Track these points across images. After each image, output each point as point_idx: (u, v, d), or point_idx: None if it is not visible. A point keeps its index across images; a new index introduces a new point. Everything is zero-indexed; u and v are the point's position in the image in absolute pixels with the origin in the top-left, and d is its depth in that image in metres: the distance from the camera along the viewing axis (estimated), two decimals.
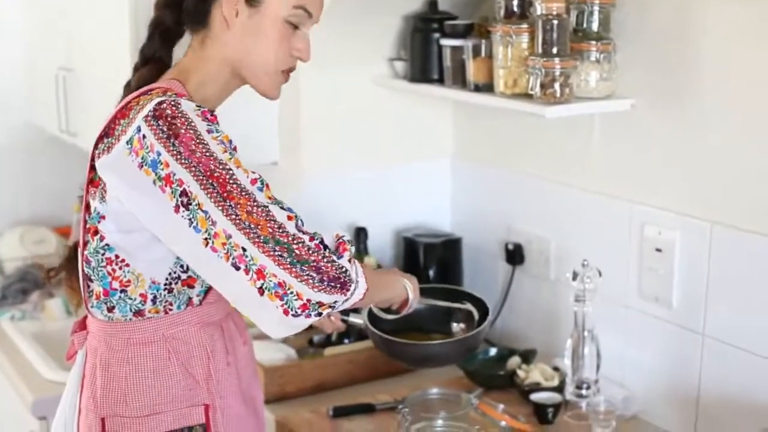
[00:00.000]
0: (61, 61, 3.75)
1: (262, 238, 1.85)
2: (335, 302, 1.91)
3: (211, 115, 1.93)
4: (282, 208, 1.90)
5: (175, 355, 2.04)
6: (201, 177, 1.86)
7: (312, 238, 1.88)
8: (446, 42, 2.92)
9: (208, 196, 1.85)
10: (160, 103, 1.90)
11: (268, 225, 1.86)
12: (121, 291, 2.01)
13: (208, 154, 1.87)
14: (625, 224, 2.68)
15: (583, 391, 2.58)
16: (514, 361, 2.83)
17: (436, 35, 2.98)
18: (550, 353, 2.88)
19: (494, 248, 3.18)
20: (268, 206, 1.88)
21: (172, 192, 1.87)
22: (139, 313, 2.03)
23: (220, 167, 1.87)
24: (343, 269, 1.90)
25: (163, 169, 1.87)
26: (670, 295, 2.57)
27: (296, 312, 1.86)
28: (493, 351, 2.92)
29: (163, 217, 1.89)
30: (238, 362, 2.16)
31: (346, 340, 2.93)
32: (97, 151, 1.98)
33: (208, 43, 2.07)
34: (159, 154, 1.87)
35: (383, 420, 2.65)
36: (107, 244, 2.00)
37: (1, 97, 4.29)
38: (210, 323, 2.08)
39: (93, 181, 2.01)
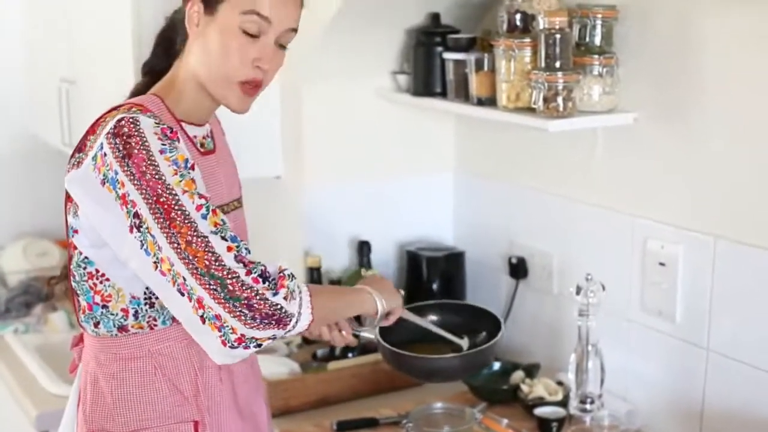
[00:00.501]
0: (63, 73, 3.75)
1: (199, 270, 1.83)
2: (273, 335, 1.88)
3: (171, 132, 1.91)
4: (224, 237, 1.86)
5: (161, 370, 2.03)
6: (150, 201, 1.84)
7: (249, 272, 1.85)
8: (449, 56, 2.92)
9: (155, 221, 1.84)
10: (119, 120, 1.88)
11: (205, 257, 1.83)
12: (103, 306, 2.00)
13: (157, 177, 1.85)
14: (627, 238, 2.68)
15: (587, 406, 2.57)
16: (518, 375, 2.83)
17: (439, 49, 2.99)
18: (554, 367, 2.87)
19: (497, 262, 3.18)
20: (207, 237, 1.85)
21: (127, 212, 1.86)
22: (122, 328, 2.01)
23: (167, 192, 1.85)
24: (278, 306, 1.86)
25: (120, 188, 1.86)
26: (673, 309, 2.56)
27: (233, 344, 1.84)
28: (496, 365, 2.91)
29: (121, 235, 1.88)
30: (234, 377, 2.14)
31: (349, 354, 2.92)
32: (68, 166, 1.98)
33: (182, 57, 2.05)
34: (116, 173, 1.86)
35: None
36: (86, 258, 1.99)
37: (3, 110, 4.30)
38: None
39: (69, 197, 2.00)
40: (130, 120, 1.88)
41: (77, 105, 3.63)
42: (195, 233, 1.84)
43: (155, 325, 2.01)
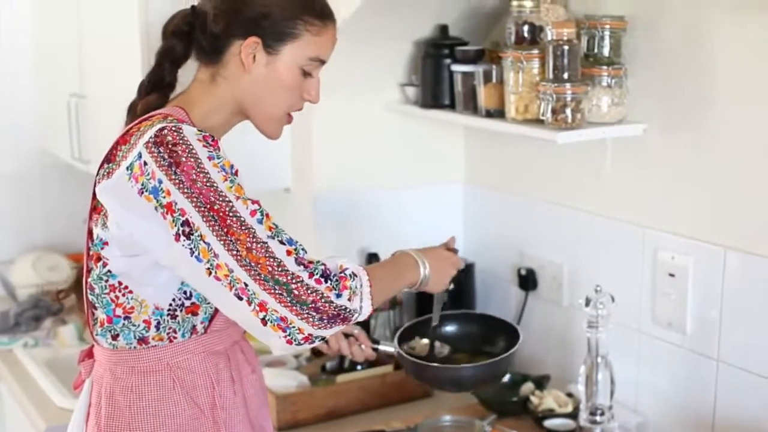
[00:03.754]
0: (73, 88, 3.76)
1: (262, 276, 1.85)
2: (338, 329, 1.94)
3: (213, 140, 1.93)
4: (281, 241, 1.89)
5: (180, 383, 2.03)
6: (203, 208, 1.85)
7: (311, 274, 1.88)
8: (457, 68, 2.92)
9: (210, 228, 1.85)
10: (161, 129, 1.89)
11: (268, 263, 1.86)
12: (125, 318, 2.01)
13: (209, 184, 1.86)
14: (638, 249, 2.67)
15: (597, 418, 2.56)
16: (528, 387, 2.82)
17: (447, 61, 2.99)
18: (564, 379, 2.87)
19: (507, 273, 3.18)
20: (267, 243, 1.87)
21: (173, 220, 1.86)
22: (143, 340, 2.02)
23: (221, 199, 1.86)
24: (343, 307, 1.91)
25: (164, 197, 1.86)
26: (683, 321, 2.55)
27: (299, 342, 1.89)
28: (506, 377, 2.90)
29: (165, 243, 1.88)
30: (246, 391, 2.14)
31: (358, 367, 2.91)
32: (97, 177, 1.98)
33: (219, 81, 2.06)
34: (160, 181, 1.86)
35: None
36: (110, 271, 1.99)
37: (13, 124, 4.30)
38: (215, 352, 2.06)
39: (96, 208, 2.00)
40: (173, 128, 1.89)
41: (87, 119, 3.63)
42: (254, 239, 1.86)
43: (175, 338, 2.02)
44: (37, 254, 4.19)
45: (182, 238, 1.86)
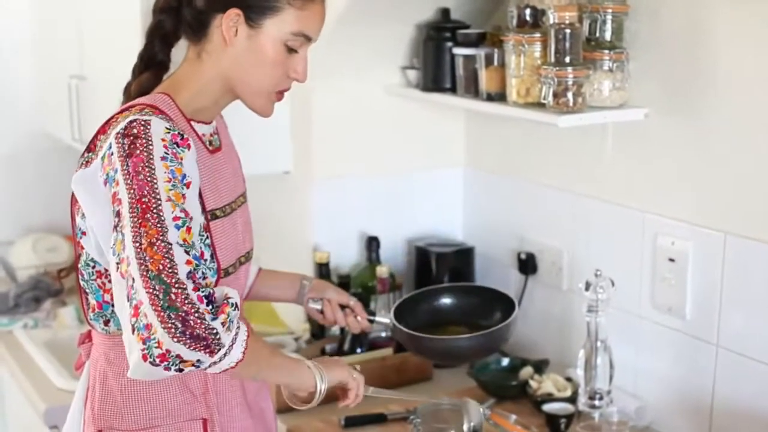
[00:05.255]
0: (73, 69, 3.75)
1: (149, 272, 1.78)
2: (198, 361, 1.80)
3: (182, 138, 1.90)
4: (187, 252, 1.82)
5: None
6: (133, 200, 1.83)
7: (197, 288, 1.80)
8: (459, 51, 2.92)
9: (131, 219, 1.82)
10: (131, 122, 1.88)
11: (161, 262, 1.79)
12: (113, 305, 1.98)
13: (149, 179, 1.84)
14: (638, 234, 2.67)
15: (596, 402, 2.56)
16: (527, 371, 2.83)
17: (449, 44, 2.98)
18: (563, 363, 2.87)
19: (507, 258, 3.18)
20: (172, 245, 1.81)
21: (113, 211, 1.87)
22: None
23: (151, 194, 1.83)
24: (213, 330, 1.79)
25: (113, 187, 1.86)
26: (683, 306, 2.55)
27: (154, 360, 1.76)
28: (505, 361, 2.91)
29: (108, 234, 1.89)
30: None
31: (358, 350, 2.92)
32: (76, 166, 1.98)
33: (204, 57, 2.04)
34: (116, 171, 1.86)
35: (395, 430, 2.65)
36: (93, 258, 2.00)
37: (13, 106, 4.31)
38: None
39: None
40: (142, 122, 1.88)
41: (87, 101, 3.63)
42: (161, 238, 1.81)
43: None
44: (36, 236, 4.20)
45: (114, 230, 1.86)
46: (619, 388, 2.63)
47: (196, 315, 1.78)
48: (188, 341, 1.77)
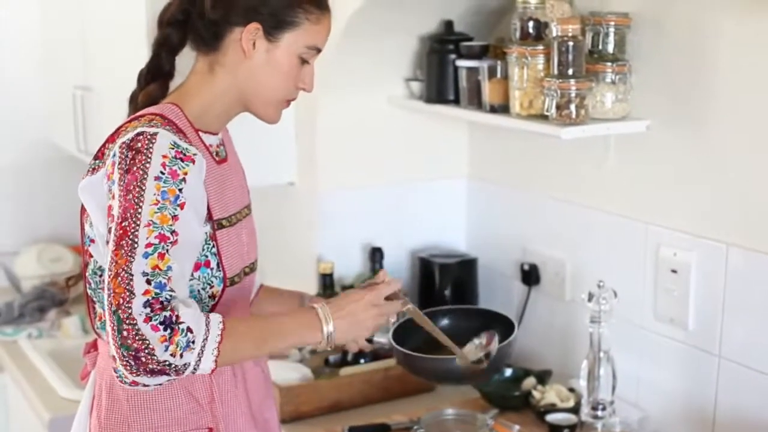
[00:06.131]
0: (78, 80, 3.77)
1: (111, 306, 1.81)
2: (168, 380, 1.86)
3: (185, 156, 1.91)
4: (149, 281, 1.81)
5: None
6: (119, 220, 1.86)
7: (148, 319, 1.78)
8: (462, 63, 2.93)
9: (113, 242, 1.85)
10: (138, 134, 1.90)
11: (121, 295, 1.80)
12: None
13: (136, 200, 1.85)
14: (640, 245, 2.68)
15: (599, 413, 2.57)
16: (530, 381, 2.83)
17: (452, 56, 3.00)
18: (566, 374, 2.88)
19: (510, 269, 3.19)
20: (133, 276, 1.81)
21: (107, 224, 1.91)
22: None
23: (132, 219, 1.84)
24: (166, 362, 1.80)
25: (110, 200, 1.89)
26: (685, 317, 2.56)
27: (128, 384, 1.95)
28: (508, 372, 2.91)
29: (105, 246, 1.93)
30: (248, 384, 2.15)
31: (362, 360, 2.93)
32: (84, 174, 2.00)
33: (217, 69, 2.06)
34: (113, 183, 1.89)
35: None
36: (101, 266, 2.01)
37: (19, 116, 4.32)
38: None
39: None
40: (148, 136, 1.90)
41: (92, 112, 3.65)
42: (126, 268, 1.81)
43: None
44: (41, 246, 4.21)
45: (106, 244, 1.90)
46: (621, 399, 2.64)
47: (147, 351, 1.79)
48: (146, 375, 1.81)
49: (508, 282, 3.19)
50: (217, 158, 2.09)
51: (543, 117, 2.60)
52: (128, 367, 1.80)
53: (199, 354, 1.84)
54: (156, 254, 1.84)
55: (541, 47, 2.62)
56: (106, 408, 2.06)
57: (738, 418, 2.45)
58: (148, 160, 1.87)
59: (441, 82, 3.03)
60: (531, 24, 2.68)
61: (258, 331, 1.98)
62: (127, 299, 1.79)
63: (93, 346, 2.17)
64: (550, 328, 3.03)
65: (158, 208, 1.85)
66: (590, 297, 2.55)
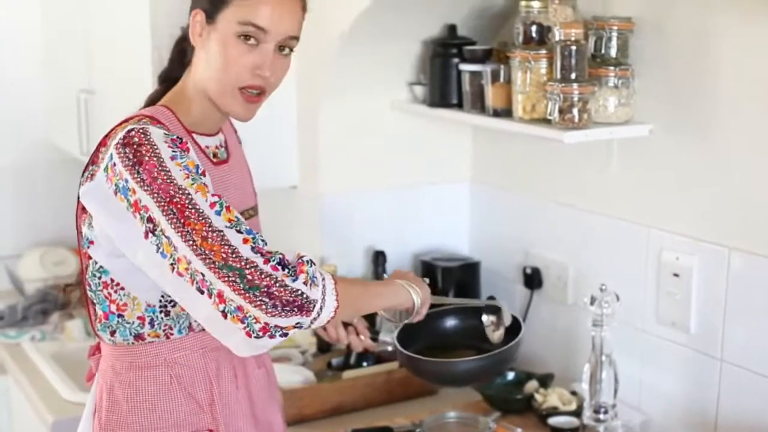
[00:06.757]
0: (82, 83, 3.78)
1: (216, 263, 1.82)
2: (298, 323, 1.87)
3: (181, 142, 1.92)
4: (239, 231, 1.86)
5: (177, 379, 2.04)
6: (162, 203, 1.85)
7: (267, 261, 1.84)
8: (465, 67, 2.94)
9: (169, 222, 1.85)
10: (129, 131, 1.91)
11: (222, 251, 1.83)
12: (119, 315, 2.02)
13: (168, 180, 1.86)
14: (642, 249, 2.68)
15: (601, 416, 2.57)
16: (532, 385, 2.83)
17: (456, 60, 3.00)
18: (568, 377, 2.88)
19: (512, 272, 3.19)
20: (223, 231, 1.84)
21: (141, 218, 1.87)
22: (139, 336, 2.03)
23: (180, 192, 1.86)
24: (298, 292, 1.85)
25: (131, 196, 1.88)
26: (687, 320, 2.57)
27: (258, 335, 1.84)
28: (510, 375, 2.92)
29: (136, 243, 1.89)
30: (251, 386, 2.15)
31: (364, 363, 2.93)
32: (82, 179, 2.00)
33: (189, 68, 2.08)
34: (126, 181, 1.88)
35: None
36: (101, 267, 2.01)
37: (22, 119, 4.32)
38: (214, 348, 2.05)
39: (84, 208, 2.02)
40: (140, 130, 1.90)
41: (96, 115, 3.65)
42: (210, 228, 1.84)
43: (171, 334, 2.03)
44: (44, 249, 4.21)
45: (150, 235, 1.87)
46: (623, 402, 2.64)
47: (278, 285, 1.83)
48: (281, 311, 1.83)
49: (511, 285, 3.20)
50: (214, 160, 2.09)
51: (546, 121, 2.60)
52: (262, 306, 1.82)
53: (322, 291, 1.89)
54: (223, 209, 1.88)
55: (544, 51, 2.62)
56: (106, 409, 2.07)
57: (740, 421, 2.45)
58: (155, 147, 1.88)
59: (444, 86, 3.04)
60: (534, 28, 2.68)
61: (360, 286, 2.11)
62: (231, 251, 1.83)
63: (97, 349, 2.17)
64: (553, 332, 3.04)
65: (192, 179, 1.88)
66: (592, 300, 2.55)
